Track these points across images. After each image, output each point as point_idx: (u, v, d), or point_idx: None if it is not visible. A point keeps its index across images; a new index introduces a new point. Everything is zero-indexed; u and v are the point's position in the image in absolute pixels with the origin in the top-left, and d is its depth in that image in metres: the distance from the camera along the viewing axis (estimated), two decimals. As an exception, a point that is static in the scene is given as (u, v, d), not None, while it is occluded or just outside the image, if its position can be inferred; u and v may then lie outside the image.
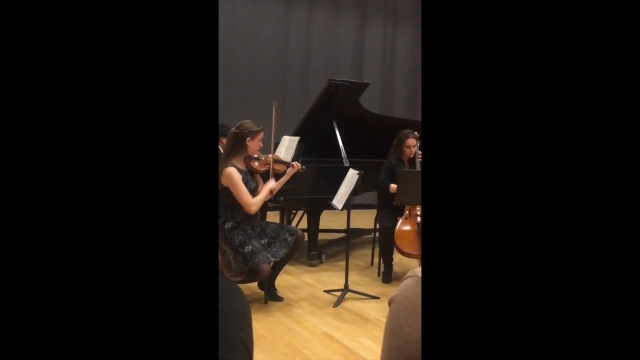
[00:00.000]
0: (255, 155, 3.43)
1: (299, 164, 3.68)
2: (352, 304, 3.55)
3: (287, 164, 3.63)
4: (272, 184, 3.43)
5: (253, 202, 3.30)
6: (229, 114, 5.40)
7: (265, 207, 4.86)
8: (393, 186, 4.00)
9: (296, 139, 4.26)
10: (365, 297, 3.64)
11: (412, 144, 4.06)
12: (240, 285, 3.77)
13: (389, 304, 0.86)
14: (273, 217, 5.29)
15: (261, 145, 3.41)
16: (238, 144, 3.35)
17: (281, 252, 3.38)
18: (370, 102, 6.35)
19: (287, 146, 4.26)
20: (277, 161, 3.60)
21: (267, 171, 3.49)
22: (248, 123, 3.40)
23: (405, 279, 0.86)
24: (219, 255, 0.82)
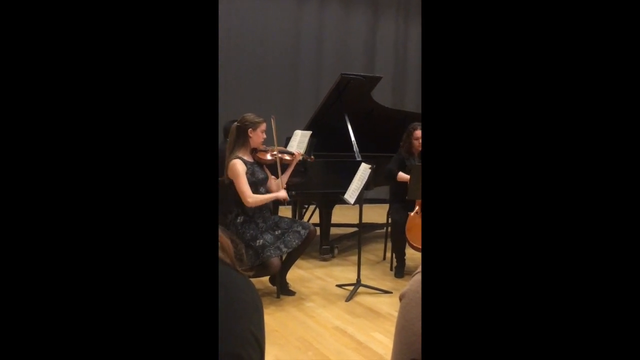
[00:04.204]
0: (261, 148, 3.46)
1: (301, 153, 3.69)
2: (364, 299, 3.55)
3: (292, 154, 3.65)
4: (282, 193, 3.44)
5: (251, 195, 3.31)
6: (240, 110, 5.39)
7: (277, 202, 4.89)
8: (401, 174, 4.00)
9: (308, 133, 4.26)
10: (378, 291, 3.64)
11: (420, 136, 4.03)
12: (252, 280, 3.84)
13: (400, 300, 0.85)
14: (285, 211, 5.29)
15: (264, 136, 3.43)
16: (241, 137, 3.39)
17: (294, 243, 3.39)
18: (382, 96, 6.34)
19: (299, 140, 4.26)
20: (283, 151, 3.62)
21: (274, 162, 3.50)
22: (249, 115, 3.44)
23: (415, 274, 0.86)
24: (232, 249, 0.82)
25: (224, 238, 0.81)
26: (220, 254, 0.78)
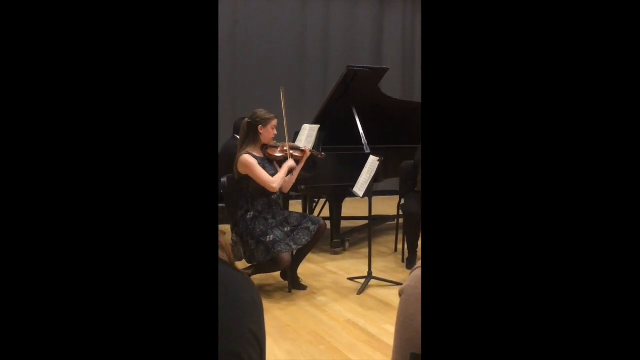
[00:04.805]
0: (271, 144, 3.45)
1: (311, 149, 3.69)
2: (376, 291, 3.54)
3: (303, 151, 3.64)
4: (290, 162, 3.45)
5: (273, 180, 3.33)
6: (248, 105, 5.40)
7: (287, 196, 4.88)
8: None
9: (316, 127, 4.24)
10: (389, 283, 3.64)
11: None
12: (264, 275, 3.84)
13: (400, 295, 0.85)
14: (295, 206, 5.30)
15: (275, 133, 3.43)
16: (251, 133, 3.39)
17: (304, 240, 3.39)
18: (391, 87, 6.31)
19: (308, 134, 4.25)
20: (293, 147, 3.61)
21: (285, 158, 3.50)
22: (260, 111, 3.43)
23: (415, 269, 0.85)
24: (230, 248, 0.82)
25: (221, 237, 0.81)
26: (219, 253, 0.78)
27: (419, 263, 0.84)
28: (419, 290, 0.80)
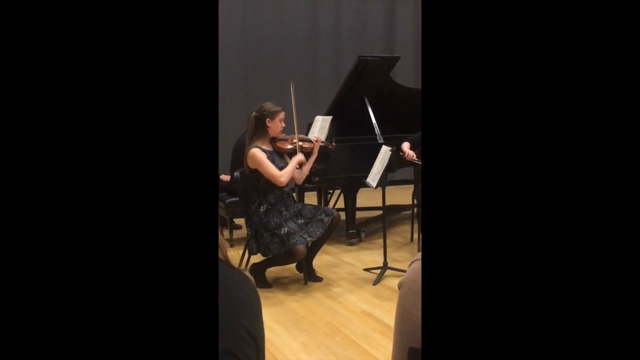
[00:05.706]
0: (280, 137, 3.45)
1: (320, 139, 3.68)
2: (392, 281, 3.53)
3: (312, 141, 3.63)
4: (299, 156, 3.45)
5: (281, 174, 3.32)
6: (259, 97, 5.40)
7: (302, 188, 4.88)
8: (405, 146, 3.98)
9: (329, 118, 4.24)
10: (405, 273, 3.62)
11: None
12: (280, 267, 3.84)
13: (399, 288, 0.84)
14: (310, 197, 5.30)
15: (283, 125, 3.42)
16: (259, 127, 3.39)
17: (318, 232, 3.39)
18: (404, 76, 6.26)
19: (320, 126, 4.24)
20: (302, 139, 3.60)
21: (294, 151, 3.50)
22: (267, 105, 3.42)
23: (413, 262, 0.84)
24: (226, 244, 0.82)
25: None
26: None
27: (417, 255, 0.83)
28: (416, 283, 0.79)
